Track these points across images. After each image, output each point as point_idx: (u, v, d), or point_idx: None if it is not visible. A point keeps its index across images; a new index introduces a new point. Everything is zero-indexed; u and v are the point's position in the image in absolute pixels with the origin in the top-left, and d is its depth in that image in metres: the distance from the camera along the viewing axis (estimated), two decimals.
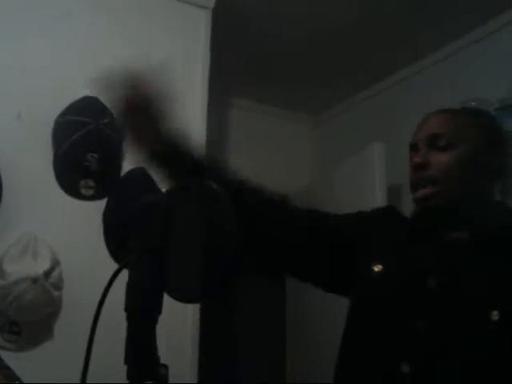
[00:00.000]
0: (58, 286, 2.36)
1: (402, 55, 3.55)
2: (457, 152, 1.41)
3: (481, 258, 1.32)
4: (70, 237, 2.47)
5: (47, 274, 2.31)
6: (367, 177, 3.39)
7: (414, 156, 1.46)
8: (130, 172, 1.22)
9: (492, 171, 1.46)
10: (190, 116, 2.90)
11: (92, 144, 2.52)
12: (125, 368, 0.91)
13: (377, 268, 1.43)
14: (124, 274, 0.96)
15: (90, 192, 2.53)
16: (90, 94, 2.58)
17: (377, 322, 1.39)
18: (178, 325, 2.50)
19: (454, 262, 1.36)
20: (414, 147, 1.48)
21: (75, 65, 2.67)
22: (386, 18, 3.22)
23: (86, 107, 2.59)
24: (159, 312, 0.93)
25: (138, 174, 1.21)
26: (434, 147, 1.43)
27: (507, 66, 2.99)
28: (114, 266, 1.00)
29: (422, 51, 3.51)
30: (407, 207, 3.71)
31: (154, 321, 0.93)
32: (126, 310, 0.92)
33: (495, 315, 1.22)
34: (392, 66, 3.69)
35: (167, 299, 0.96)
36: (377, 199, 3.27)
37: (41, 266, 2.30)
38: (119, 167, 2.58)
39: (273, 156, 4.03)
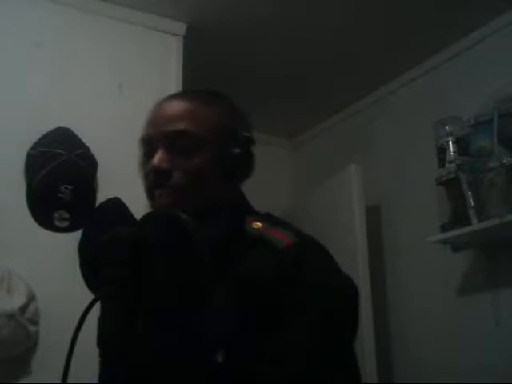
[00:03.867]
0: (35, 321, 2.32)
1: (375, 76, 3.57)
2: (203, 155, 1.21)
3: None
4: (45, 270, 2.43)
5: (23, 309, 2.26)
6: (344, 198, 3.39)
7: (147, 154, 1.25)
8: (105, 202, 1.20)
9: (238, 170, 1.28)
10: None
11: (65, 175, 2.50)
12: None
13: None
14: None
15: (65, 224, 2.49)
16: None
17: None
18: None
19: None
20: (146, 143, 1.26)
21: (47, 96, 2.66)
22: (358, 39, 3.24)
23: (59, 138, 2.58)
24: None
25: (113, 205, 1.19)
26: (175, 149, 1.21)
27: (481, 82, 3.02)
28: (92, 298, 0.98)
29: (395, 71, 3.52)
30: (387, 227, 3.70)
31: (127, 355, 0.90)
32: (99, 345, 0.90)
33: (220, 357, 1.05)
34: (366, 86, 3.71)
35: None
36: (355, 220, 3.27)
37: (16, 302, 2.26)
38: (93, 198, 2.55)
39: (249, 180, 4.00)
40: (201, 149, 1.21)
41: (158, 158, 1.20)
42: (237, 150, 1.25)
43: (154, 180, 1.20)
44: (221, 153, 1.23)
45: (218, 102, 1.31)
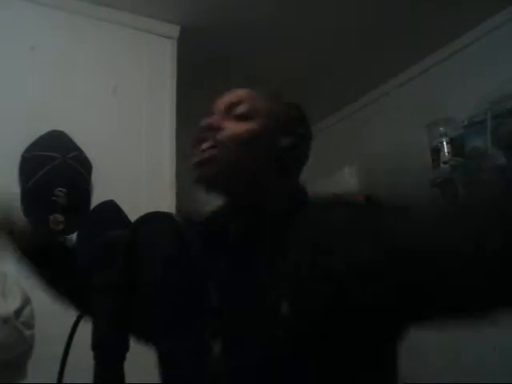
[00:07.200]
0: (30, 325, 2.31)
1: (370, 77, 3.57)
2: (254, 124, 1.22)
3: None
4: None
5: (18, 312, 2.25)
6: None
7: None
8: (100, 205, 1.20)
9: (280, 152, 1.28)
10: (158, 145, 2.88)
11: (59, 178, 2.49)
12: None
13: None
14: None
15: (60, 227, 2.48)
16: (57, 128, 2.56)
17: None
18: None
19: (230, 261, 1.16)
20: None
21: (41, 99, 2.65)
22: (352, 41, 3.24)
23: (53, 141, 2.57)
24: (126, 349, 0.91)
25: (108, 208, 1.19)
26: (230, 115, 1.23)
27: (474, 83, 3.02)
28: None
29: (389, 72, 3.53)
30: None
31: (122, 358, 0.90)
32: (93, 348, 0.89)
33: (285, 308, 1.02)
34: (360, 88, 3.71)
35: None
36: None
37: (11, 305, 2.25)
38: (88, 201, 2.54)
39: None
40: (252, 118, 1.22)
41: (212, 118, 1.20)
42: (287, 141, 1.27)
43: (200, 135, 1.19)
44: (270, 137, 1.23)
45: (276, 98, 1.34)
